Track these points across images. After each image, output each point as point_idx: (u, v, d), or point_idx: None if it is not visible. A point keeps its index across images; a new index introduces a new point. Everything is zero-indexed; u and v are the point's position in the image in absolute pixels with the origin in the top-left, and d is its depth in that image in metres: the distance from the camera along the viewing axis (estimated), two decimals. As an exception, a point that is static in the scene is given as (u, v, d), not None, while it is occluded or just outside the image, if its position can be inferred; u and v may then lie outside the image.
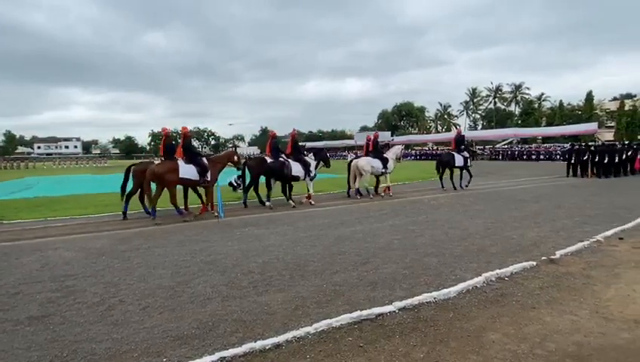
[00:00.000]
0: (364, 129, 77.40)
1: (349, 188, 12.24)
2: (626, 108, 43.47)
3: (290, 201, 10.42)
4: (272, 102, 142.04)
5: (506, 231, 6.82)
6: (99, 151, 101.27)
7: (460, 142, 14.37)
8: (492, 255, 5.36)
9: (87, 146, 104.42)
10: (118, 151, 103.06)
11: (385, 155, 12.58)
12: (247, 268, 4.96)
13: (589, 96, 47.40)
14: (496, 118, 67.62)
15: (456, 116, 79.46)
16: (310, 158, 11.22)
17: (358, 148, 60.64)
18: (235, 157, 10.20)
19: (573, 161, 18.43)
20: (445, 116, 79.87)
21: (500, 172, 22.46)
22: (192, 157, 9.10)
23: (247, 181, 10.90)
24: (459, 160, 13.88)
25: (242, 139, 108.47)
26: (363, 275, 4.61)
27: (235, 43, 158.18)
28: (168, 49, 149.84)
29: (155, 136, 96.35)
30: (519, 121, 58.21)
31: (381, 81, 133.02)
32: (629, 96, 54.21)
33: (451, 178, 13.76)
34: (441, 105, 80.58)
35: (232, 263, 5.20)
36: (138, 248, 6.11)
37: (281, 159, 10.74)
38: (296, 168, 10.75)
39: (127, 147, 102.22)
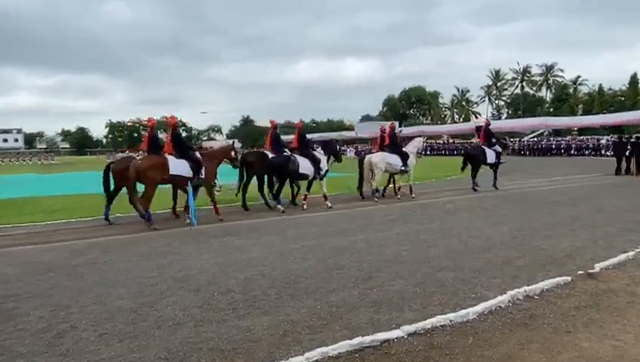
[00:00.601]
0: (366, 118, 77.62)
1: (362, 188, 12.48)
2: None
3: (279, 206, 10.43)
4: (256, 87, 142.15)
5: (536, 240, 6.86)
6: (45, 146, 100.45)
7: (490, 134, 14.46)
8: (519, 269, 5.39)
9: (30, 140, 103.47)
10: (68, 146, 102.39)
11: (404, 149, 12.70)
12: (225, 286, 4.94)
13: (634, 80, 47.98)
14: (524, 106, 68.16)
15: (476, 103, 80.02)
16: (319, 153, 11.27)
17: (359, 142, 60.89)
18: (233, 153, 10.39)
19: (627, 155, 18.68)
20: (463, 103, 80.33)
21: (529, 170, 22.65)
22: (183, 151, 9.27)
23: (243, 180, 11.00)
24: (490, 155, 13.95)
25: (219, 130, 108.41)
26: (365, 294, 4.62)
27: (214, 15, 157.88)
28: (133, 22, 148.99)
29: (113, 127, 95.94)
30: (551, 109, 58.77)
31: (387, 62, 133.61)
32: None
33: (474, 176, 13.85)
34: (458, 90, 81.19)
35: (208, 280, 5.18)
36: (94, 262, 6.08)
37: (285, 154, 10.85)
38: (304, 165, 10.77)
39: (80, 140, 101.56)
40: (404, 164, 12.41)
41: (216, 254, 6.40)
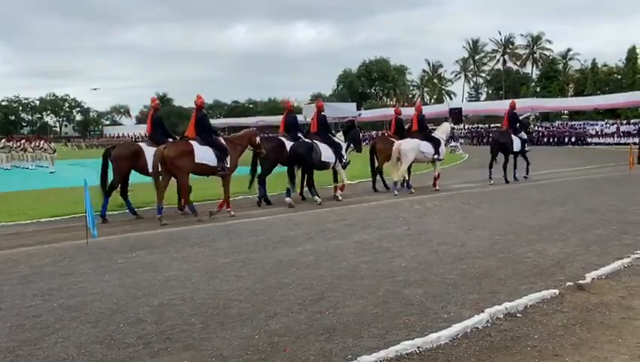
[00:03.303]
0: (317, 98, 77.91)
1: (375, 180, 13.99)
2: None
3: (316, 197, 11.59)
4: (176, 56, 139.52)
5: (519, 246, 7.17)
6: None
7: (514, 118, 15.68)
8: (499, 281, 5.61)
9: None
10: None
11: (435, 136, 13.80)
12: (134, 315, 4.83)
13: (632, 54, 51.00)
14: (506, 84, 70.93)
15: (450, 81, 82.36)
16: (339, 139, 12.30)
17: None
18: (258, 139, 11.12)
19: None
20: (435, 80, 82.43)
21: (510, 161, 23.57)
22: (208, 136, 10.14)
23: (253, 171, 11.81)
24: (516, 143, 15.13)
25: (127, 112, 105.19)
26: (315, 318, 4.65)
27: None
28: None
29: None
30: (537, 88, 61.49)
31: (344, 28, 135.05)
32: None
33: (505, 166, 15.03)
34: (428, 64, 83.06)
35: (111, 308, 5.05)
36: (-47, 289, 5.75)
37: (305, 140, 11.74)
38: (327, 152, 11.75)
39: None
40: (437, 152, 13.45)
41: (121, 274, 6.24)
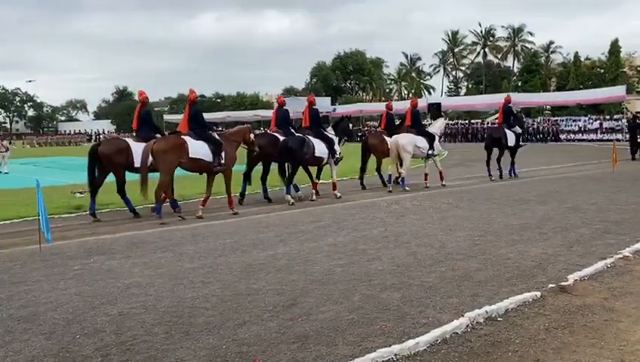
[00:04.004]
0: (289, 92, 77.91)
1: (363, 178, 14.51)
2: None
3: (289, 197, 11.76)
4: (137, 47, 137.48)
5: (500, 247, 7.30)
6: None
7: (509, 112, 16.36)
8: (479, 284, 5.69)
9: None
10: None
11: (430, 131, 14.31)
12: (91, 326, 4.77)
13: (615, 47, 52.23)
14: (487, 78, 71.94)
15: (429, 75, 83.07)
16: (331, 133, 12.78)
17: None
18: (251, 136, 11.42)
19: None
20: (413, 74, 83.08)
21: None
22: (202, 131, 10.44)
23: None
24: (511, 138, 15.75)
25: (84, 107, 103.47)
26: (286, 326, 4.65)
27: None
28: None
29: None
30: (519, 83, 62.51)
31: (319, 18, 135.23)
32: (667, 47, 60.82)
33: (499, 161, 15.68)
34: (406, 57, 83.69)
35: (66, 318, 4.98)
36: None
37: (298, 135, 12.11)
38: (320, 147, 12.12)
39: None
40: (432, 147, 13.91)
41: (77, 281, 6.16)
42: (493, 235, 8.07)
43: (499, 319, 4.73)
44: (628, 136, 24.81)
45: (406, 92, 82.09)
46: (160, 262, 6.97)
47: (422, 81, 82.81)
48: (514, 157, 16.32)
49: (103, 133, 79.58)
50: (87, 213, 10.52)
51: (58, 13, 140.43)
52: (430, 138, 14.07)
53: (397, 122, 16.32)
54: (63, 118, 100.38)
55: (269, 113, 65.43)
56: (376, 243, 7.70)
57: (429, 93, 78.66)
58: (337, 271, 6.32)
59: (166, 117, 79.02)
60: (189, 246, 7.83)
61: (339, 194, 12.55)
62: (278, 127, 12.79)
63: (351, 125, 14.18)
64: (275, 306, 5.14)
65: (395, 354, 4.00)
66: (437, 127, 14.99)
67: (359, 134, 34.81)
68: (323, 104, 53.18)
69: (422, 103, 53.05)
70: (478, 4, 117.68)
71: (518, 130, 16.37)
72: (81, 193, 12.96)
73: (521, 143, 16.43)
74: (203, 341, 4.39)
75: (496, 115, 51.99)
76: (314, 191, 12.51)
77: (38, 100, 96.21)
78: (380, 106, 64.46)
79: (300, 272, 6.29)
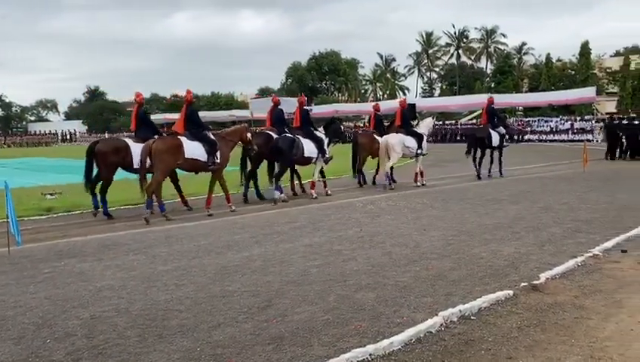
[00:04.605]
0: (265, 92, 77.65)
1: (359, 175, 14.82)
2: (632, 67, 49.71)
3: (277, 194, 11.96)
4: (110, 47, 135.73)
5: (473, 246, 7.40)
6: None
7: (493, 113, 16.82)
8: (453, 283, 5.76)
9: None
10: None
11: (417, 131, 14.67)
12: (62, 330, 4.72)
13: (585, 49, 53.22)
14: (461, 79, 72.69)
15: (403, 76, 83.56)
16: (321, 133, 13.04)
17: (257, 124, 60.47)
18: (249, 135, 11.56)
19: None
20: (388, 75, 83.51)
21: (465, 159, 24.18)
22: (197, 131, 10.61)
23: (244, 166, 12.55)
24: (495, 138, 16.22)
25: (54, 107, 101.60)
26: (262, 327, 4.65)
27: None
28: None
29: None
30: (492, 84, 63.27)
31: (295, 18, 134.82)
32: (636, 50, 62.13)
33: (480, 161, 16.12)
34: (381, 58, 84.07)
35: (36, 322, 4.92)
36: None
37: (288, 136, 12.33)
38: (309, 147, 12.40)
39: None
40: (420, 146, 14.27)
41: (48, 285, 6.08)
42: (467, 235, 8.17)
43: (472, 318, 4.80)
44: (603, 136, 25.60)
45: (381, 93, 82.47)
46: (133, 264, 6.90)
47: (396, 82, 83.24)
48: (501, 156, 16.84)
49: (75, 133, 78.42)
50: (92, 211, 10.63)
51: (29, 11, 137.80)
52: (419, 138, 14.46)
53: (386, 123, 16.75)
54: (32, 118, 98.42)
55: (244, 113, 65.20)
56: (352, 244, 7.73)
57: (404, 94, 78.99)
58: (313, 271, 6.33)
59: (139, 117, 77.90)
60: (163, 249, 7.76)
61: (315, 195, 12.69)
62: (272, 125, 13.08)
63: (342, 127, 14.53)
64: (250, 308, 5.13)
65: (370, 354, 4.03)
66: (425, 127, 15.30)
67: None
68: (294, 102, 53.18)
69: (396, 104, 53.41)
70: (453, 5, 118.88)
71: (502, 130, 16.79)
72: (51, 195, 12.77)
73: (504, 143, 16.86)
74: (177, 343, 4.36)
75: (470, 116, 52.78)
76: (325, 189, 13.21)
77: (7, 100, 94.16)
78: (355, 107, 64.79)
79: (276, 273, 6.29)
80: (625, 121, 24.35)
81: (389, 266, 6.48)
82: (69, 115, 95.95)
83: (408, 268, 6.36)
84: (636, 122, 23.56)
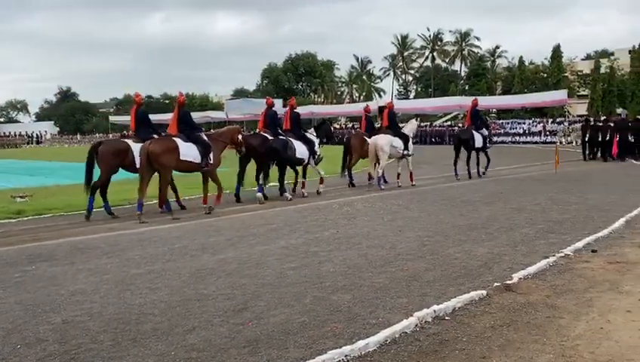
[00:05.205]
0: (240, 94, 77.33)
1: (350, 175, 15.27)
2: (602, 70, 50.77)
3: (286, 194, 12.51)
4: (82, 47, 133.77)
5: (448, 247, 7.48)
6: None
7: (477, 116, 17.40)
8: (428, 283, 5.82)
9: None
10: None
11: (404, 132, 15.11)
12: (33, 335, 4.65)
13: (557, 53, 54.17)
14: (435, 81, 73.37)
15: (379, 78, 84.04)
16: (312, 135, 13.53)
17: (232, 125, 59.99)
18: (239, 137, 11.88)
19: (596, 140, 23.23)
20: (364, 77, 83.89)
21: (440, 161, 24.46)
22: (191, 133, 10.82)
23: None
24: (478, 139, 16.70)
25: (25, 108, 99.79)
26: (237, 330, 4.64)
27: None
28: None
29: None
30: (466, 86, 63.98)
31: (270, 19, 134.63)
32: (605, 53, 63.47)
33: (468, 162, 16.54)
34: (357, 59, 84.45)
35: (6, 328, 4.83)
36: None
37: (282, 137, 12.75)
38: (301, 148, 12.79)
39: None
40: (406, 147, 14.73)
41: (18, 289, 5.98)
42: (442, 236, 8.25)
43: (446, 318, 4.85)
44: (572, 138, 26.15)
45: (357, 95, 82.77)
46: (106, 268, 6.82)
47: (372, 84, 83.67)
48: (487, 156, 17.37)
49: (46, 134, 77.08)
50: (85, 214, 10.53)
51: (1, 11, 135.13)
52: (405, 139, 14.90)
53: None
54: (1, 120, 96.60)
55: (219, 114, 64.81)
56: (328, 245, 7.75)
57: (380, 96, 79.49)
58: (289, 273, 6.33)
59: (112, 118, 76.97)
60: (136, 252, 7.69)
61: (306, 193, 13.21)
62: (266, 127, 13.28)
63: (332, 128, 15.05)
64: (225, 311, 5.11)
65: (346, 356, 4.05)
66: (410, 128, 15.76)
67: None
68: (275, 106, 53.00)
69: (373, 106, 53.82)
70: (428, 8, 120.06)
71: (485, 132, 17.36)
72: (22, 197, 12.55)
73: (487, 145, 17.38)
74: (151, 347, 4.33)
75: (444, 118, 53.31)
76: (299, 189, 13.46)
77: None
78: (331, 108, 64.97)
79: (251, 276, 6.27)
80: (600, 123, 25.15)
81: (365, 267, 6.51)
82: (40, 116, 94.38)
83: (384, 270, 6.40)
84: (629, 123, 24.50)
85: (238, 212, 11.21)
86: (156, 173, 10.48)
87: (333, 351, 4.07)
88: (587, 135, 24.05)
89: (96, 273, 6.58)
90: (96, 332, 4.68)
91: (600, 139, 23.32)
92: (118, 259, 7.25)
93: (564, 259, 6.76)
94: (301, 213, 10.76)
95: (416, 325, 4.64)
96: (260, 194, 12.30)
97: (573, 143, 35.99)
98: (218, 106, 74.35)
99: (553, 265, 6.48)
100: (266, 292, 5.66)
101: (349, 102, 74.87)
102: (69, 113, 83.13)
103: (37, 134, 75.82)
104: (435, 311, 4.89)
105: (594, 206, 10.75)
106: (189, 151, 10.51)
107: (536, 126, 44.10)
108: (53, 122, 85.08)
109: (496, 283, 5.74)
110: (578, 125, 33.88)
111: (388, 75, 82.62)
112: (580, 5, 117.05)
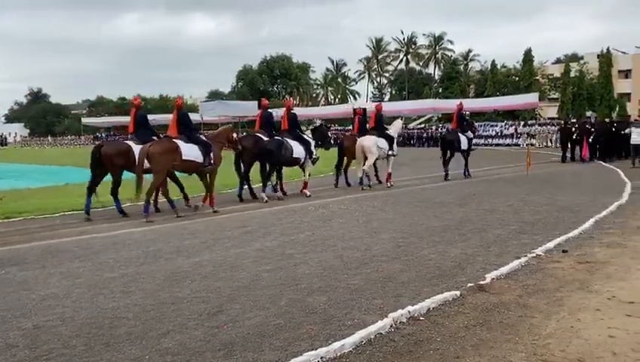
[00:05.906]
0: (215, 95, 76.85)
1: (338, 177, 15.61)
2: (572, 74, 51.73)
3: (263, 195, 12.54)
4: (54, 48, 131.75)
5: (422, 248, 7.55)
6: None
7: (462, 118, 17.99)
8: (403, 284, 5.87)
9: None
10: None
11: (388, 133, 15.45)
12: (3, 341, 4.58)
13: (528, 56, 55.04)
14: (409, 84, 74.00)
15: (354, 81, 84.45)
16: (308, 136, 13.81)
17: (207, 127, 59.76)
18: (234, 136, 12.32)
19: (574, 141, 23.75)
20: (339, 79, 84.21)
21: (415, 163, 24.70)
22: (191, 134, 11.21)
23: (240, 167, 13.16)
24: (464, 141, 17.24)
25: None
26: (212, 333, 4.62)
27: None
28: None
29: None
30: (440, 89, 64.67)
31: (247, 21, 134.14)
32: (575, 57, 64.68)
33: (447, 163, 17.02)
34: (332, 62, 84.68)
35: (-23, 333, 4.74)
36: None
37: (277, 138, 13.01)
38: (297, 149, 13.08)
39: None
40: (391, 148, 15.09)
41: (-11, 294, 5.87)
42: (416, 237, 8.32)
43: (421, 318, 4.89)
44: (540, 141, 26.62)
45: (332, 97, 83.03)
46: (78, 271, 6.74)
47: (347, 86, 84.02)
48: (467, 159, 17.73)
49: (17, 136, 75.62)
50: (84, 212, 10.77)
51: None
52: (390, 140, 15.27)
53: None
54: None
55: (194, 116, 63.98)
56: (304, 248, 7.76)
57: (355, 98, 79.85)
58: (264, 276, 6.33)
59: (84, 120, 75.82)
60: (110, 255, 7.60)
61: (309, 193, 13.54)
62: (261, 128, 13.68)
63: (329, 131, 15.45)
64: (200, 314, 5.09)
65: (322, 357, 4.06)
66: (394, 129, 16.16)
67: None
68: (249, 107, 52.51)
69: (347, 108, 53.94)
70: (402, 11, 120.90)
71: (470, 134, 17.94)
72: None
73: (472, 147, 17.91)
74: (125, 352, 4.29)
75: (419, 121, 53.73)
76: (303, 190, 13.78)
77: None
78: (306, 111, 64.91)
79: (226, 279, 6.25)
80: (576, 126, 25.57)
81: (340, 269, 6.54)
82: (10, 118, 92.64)
83: (359, 271, 6.43)
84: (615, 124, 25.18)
85: (211, 215, 11.11)
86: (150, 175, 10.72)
87: (308, 353, 4.08)
88: (568, 137, 24.50)
89: (68, 277, 6.50)
90: (69, 337, 4.62)
91: (579, 139, 23.83)
92: (90, 263, 7.16)
93: (536, 259, 6.86)
94: (276, 216, 10.75)
95: (391, 326, 4.67)
96: (263, 195, 12.59)
97: (551, 145, 36.60)
98: (193, 108, 73.62)
99: (525, 266, 6.58)
100: (241, 295, 5.65)
101: (324, 105, 75.08)
102: (40, 115, 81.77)
103: (1, 136, 74.38)
104: (409, 311, 4.93)
105: (564, 207, 10.93)
106: (190, 152, 10.81)
107: (508, 129, 44.70)
108: (23, 124, 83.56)
109: (469, 284, 5.81)
110: (555, 128, 34.76)
111: (363, 77, 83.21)
112: (551, 10, 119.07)
